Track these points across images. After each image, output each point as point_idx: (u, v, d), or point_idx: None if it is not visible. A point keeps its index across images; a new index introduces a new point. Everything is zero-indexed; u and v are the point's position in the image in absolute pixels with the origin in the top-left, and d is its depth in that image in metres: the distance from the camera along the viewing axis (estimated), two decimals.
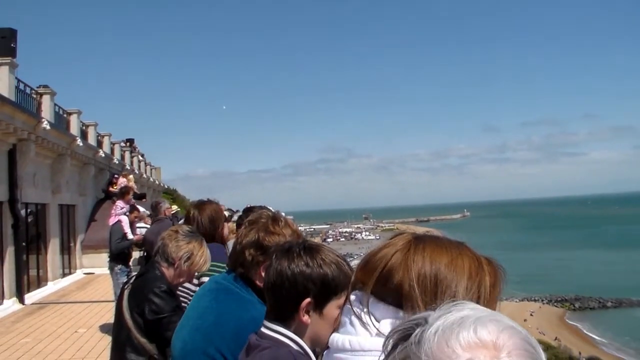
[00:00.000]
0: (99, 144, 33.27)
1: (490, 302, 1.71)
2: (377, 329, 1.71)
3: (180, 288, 5.00)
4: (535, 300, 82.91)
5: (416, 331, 1.15)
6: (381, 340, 1.62)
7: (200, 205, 5.89)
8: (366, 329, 1.73)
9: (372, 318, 1.73)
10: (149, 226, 14.60)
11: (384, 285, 1.72)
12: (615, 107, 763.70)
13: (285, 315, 2.47)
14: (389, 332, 1.23)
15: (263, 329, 2.51)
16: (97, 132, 33.26)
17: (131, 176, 29.03)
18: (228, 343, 3.14)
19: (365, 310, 1.74)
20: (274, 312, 2.52)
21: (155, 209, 13.62)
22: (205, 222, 5.62)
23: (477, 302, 1.56)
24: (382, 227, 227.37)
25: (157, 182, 52.78)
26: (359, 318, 1.74)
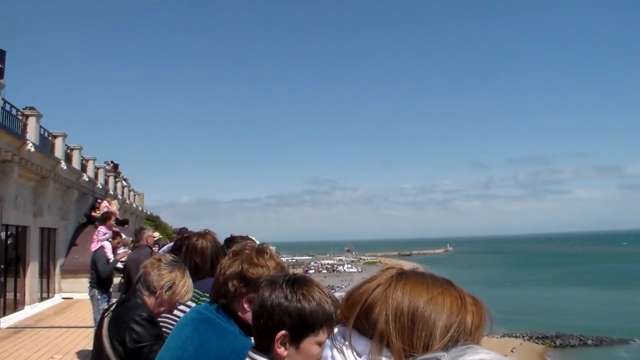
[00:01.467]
0: (83, 167, 33.15)
1: (471, 341, 1.67)
2: None
3: (162, 317, 4.88)
4: (516, 337, 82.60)
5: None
6: None
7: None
8: None
9: (354, 353, 1.71)
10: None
11: (365, 319, 1.71)
12: (602, 147, 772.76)
13: (264, 346, 2.49)
14: None
15: None
16: (82, 156, 33.16)
17: (115, 201, 28.95)
18: None
19: (346, 344, 1.73)
20: (257, 342, 2.56)
21: (137, 235, 13.54)
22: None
23: (457, 342, 1.63)
24: (364, 259, 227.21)
25: (139, 208, 52.58)
26: (341, 352, 1.73)
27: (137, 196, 55.06)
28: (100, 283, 14.09)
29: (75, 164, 31.47)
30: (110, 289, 14.49)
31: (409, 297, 1.70)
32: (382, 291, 1.73)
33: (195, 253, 5.38)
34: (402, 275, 1.79)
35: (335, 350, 1.75)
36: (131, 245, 15.81)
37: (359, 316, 1.73)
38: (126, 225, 23.16)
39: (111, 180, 40.97)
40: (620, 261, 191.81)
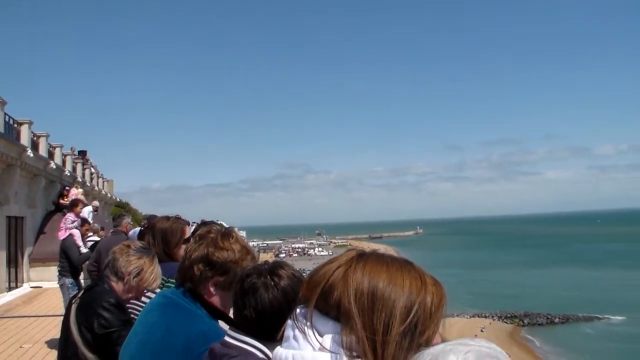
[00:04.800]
0: (51, 155, 32.76)
1: (431, 322, 1.75)
2: (319, 343, 1.72)
3: (130, 303, 4.84)
4: (485, 317, 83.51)
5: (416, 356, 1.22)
6: (323, 354, 1.70)
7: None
8: (309, 343, 1.74)
9: (315, 332, 1.74)
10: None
11: (326, 300, 1.75)
12: (573, 128, 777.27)
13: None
14: None
15: (228, 339, 2.55)
16: (49, 143, 32.75)
17: (80, 189, 28.69)
18: (177, 358, 3.09)
19: (308, 324, 1.76)
20: (243, 324, 2.58)
21: (117, 220, 13.46)
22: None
23: (417, 322, 1.70)
24: (335, 243, 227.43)
25: (109, 195, 52.19)
26: (302, 332, 1.76)
27: (106, 183, 54.59)
28: (71, 271, 14.02)
29: (42, 151, 31.09)
30: (81, 277, 14.41)
31: (368, 277, 1.74)
32: (343, 272, 1.76)
33: (152, 231, 5.42)
34: (362, 257, 1.82)
35: (297, 331, 1.78)
36: (101, 233, 15.76)
37: (320, 297, 1.76)
38: (95, 212, 23.03)
39: (79, 167, 40.56)
40: (586, 241, 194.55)
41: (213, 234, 3.41)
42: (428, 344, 1.65)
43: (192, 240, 3.55)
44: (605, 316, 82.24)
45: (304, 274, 2.34)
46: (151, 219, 13.57)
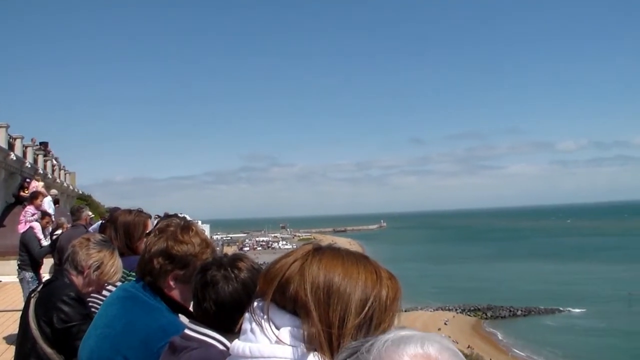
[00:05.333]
0: (11, 146, 32.24)
1: (386, 315, 1.78)
2: (276, 336, 1.75)
3: (90, 297, 4.77)
4: (449, 310, 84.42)
5: (367, 344, 1.25)
6: (280, 347, 1.74)
7: None
8: (266, 336, 1.76)
9: (272, 325, 1.77)
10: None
11: (283, 294, 1.78)
12: (536, 123, 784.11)
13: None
14: (340, 351, 1.32)
15: (188, 331, 2.58)
16: (9, 134, 32.24)
17: (41, 182, 28.33)
18: (136, 352, 3.09)
19: (265, 317, 1.78)
20: (203, 317, 2.60)
21: (76, 214, 13.30)
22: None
23: (373, 315, 1.74)
24: (299, 236, 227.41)
25: (71, 188, 51.61)
26: (260, 325, 1.78)
27: (68, 175, 53.94)
28: (32, 265, 13.82)
29: (2, 142, 30.61)
30: (41, 271, 14.22)
31: (324, 271, 1.77)
32: (299, 266, 1.79)
33: (114, 225, 5.36)
34: (318, 251, 1.85)
35: (254, 324, 1.80)
36: (65, 226, 15.54)
37: (276, 291, 1.79)
38: (57, 205, 22.77)
39: (40, 159, 40.01)
40: (549, 235, 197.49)
41: (173, 227, 3.39)
42: None
43: (152, 233, 3.50)
44: (566, 309, 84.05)
45: (263, 267, 2.33)
46: (114, 211, 13.46)
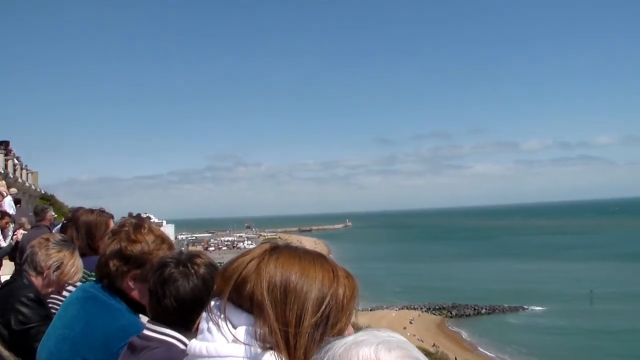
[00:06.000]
0: None
1: (343, 314, 1.80)
2: (233, 335, 1.74)
3: (50, 297, 4.71)
4: (414, 309, 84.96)
5: (327, 345, 1.30)
6: (237, 346, 1.73)
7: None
8: (223, 335, 1.76)
9: (229, 325, 1.77)
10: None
11: (240, 292, 1.78)
12: (501, 123, 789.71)
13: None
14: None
15: (147, 331, 2.57)
16: None
17: (2, 181, 27.94)
18: (96, 353, 3.07)
19: (222, 316, 1.78)
20: (162, 314, 2.58)
21: (40, 214, 13.11)
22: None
23: (329, 314, 1.76)
24: (264, 236, 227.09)
25: (33, 187, 50.98)
26: (216, 324, 1.78)
27: (30, 175, 53.26)
28: None
29: None
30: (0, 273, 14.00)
31: (281, 270, 1.78)
32: (256, 265, 1.79)
33: (75, 225, 5.29)
34: (275, 250, 1.85)
35: (211, 323, 1.79)
36: (27, 226, 15.31)
37: (233, 289, 1.78)
38: (18, 205, 22.44)
39: (1, 158, 39.43)
40: (512, 234, 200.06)
41: (126, 227, 3.36)
42: (340, 335, 1.64)
43: (106, 236, 3.47)
44: (529, 307, 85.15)
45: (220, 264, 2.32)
46: (77, 211, 13.29)
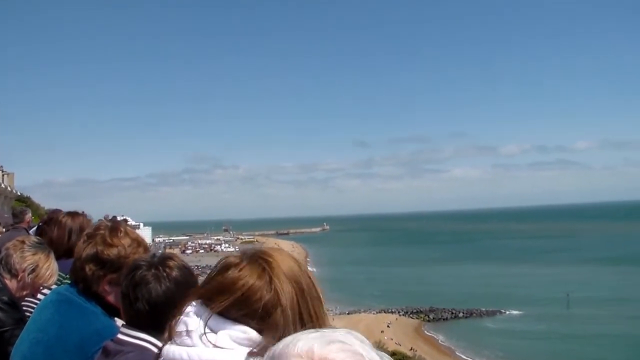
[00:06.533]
0: None
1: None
2: (215, 340, 1.75)
3: (25, 301, 4.62)
4: (392, 312, 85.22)
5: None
6: (220, 351, 1.74)
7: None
8: (202, 340, 1.76)
9: (209, 329, 1.77)
10: None
11: (239, 307, 1.79)
12: (480, 127, 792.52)
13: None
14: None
15: (121, 336, 2.57)
16: None
17: None
18: (70, 356, 3.05)
19: (202, 322, 1.78)
20: (135, 318, 2.58)
21: (19, 216, 12.96)
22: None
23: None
24: (242, 239, 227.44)
25: (8, 189, 50.56)
26: (196, 329, 1.78)
27: (6, 176, 52.85)
28: None
29: None
30: None
31: (290, 277, 1.84)
32: (266, 283, 1.81)
33: (58, 228, 5.20)
34: (270, 260, 1.87)
35: (190, 327, 1.80)
36: (1, 229, 15.15)
37: (234, 303, 1.78)
38: None
39: None
40: (492, 238, 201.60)
41: (102, 230, 3.34)
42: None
43: (81, 239, 3.42)
44: (507, 311, 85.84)
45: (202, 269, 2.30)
46: (54, 213, 13.11)
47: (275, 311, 1.77)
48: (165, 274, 2.60)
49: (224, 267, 1.87)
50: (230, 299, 1.78)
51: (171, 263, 2.66)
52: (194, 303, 1.84)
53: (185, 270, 2.66)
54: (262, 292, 1.78)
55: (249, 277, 1.81)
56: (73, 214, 5.39)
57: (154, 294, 2.55)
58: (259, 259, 1.87)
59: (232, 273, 1.83)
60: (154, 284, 2.57)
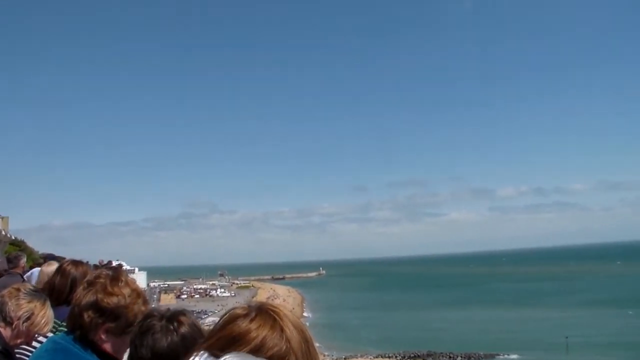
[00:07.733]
0: None
1: None
2: None
3: (19, 348, 4.55)
4: (389, 357, 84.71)
5: None
6: None
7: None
8: None
9: None
10: None
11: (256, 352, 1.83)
12: (476, 171, 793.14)
13: None
14: None
15: None
16: None
17: None
18: None
19: None
20: None
21: (13, 261, 12.85)
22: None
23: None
24: (237, 284, 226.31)
25: (3, 233, 50.39)
26: None
27: (0, 220, 52.75)
28: None
29: None
30: None
31: (297, 329, 1.91)
32: (277, 334, 1.86)
33: (61, 276, 5.19)
34: (276, 315, 1.92)
35: None
36: None
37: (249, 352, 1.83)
38: None
39: None
40: (490, 281, 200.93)
41: (102, 279, 3.35)
42: None
43: (81, 286, 3.38)
44: (505, 355, 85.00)
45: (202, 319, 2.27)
46: (48, 258, 12.98)
47: (287, 359, 1.83)
48: (173, 328, 2.66)
49: (232, 318, 1.91)
50: (244, 350, 1.82)
51: (182, 318, 2.73)
52: (202, 352, 1.86)
53: (195, 328, 2.72)
54: (275, 341, 1.83)
55: (262, 328, 1.86)
56: (77, 263, 5.41)
57: (158, 344, 2.60)
58: (268, 310, 1.92)
59: (244, 324, 1.87)
60: (160, 334, 2.63)
